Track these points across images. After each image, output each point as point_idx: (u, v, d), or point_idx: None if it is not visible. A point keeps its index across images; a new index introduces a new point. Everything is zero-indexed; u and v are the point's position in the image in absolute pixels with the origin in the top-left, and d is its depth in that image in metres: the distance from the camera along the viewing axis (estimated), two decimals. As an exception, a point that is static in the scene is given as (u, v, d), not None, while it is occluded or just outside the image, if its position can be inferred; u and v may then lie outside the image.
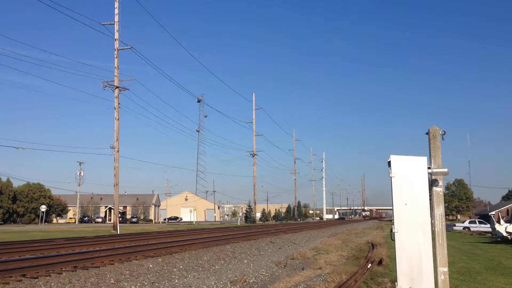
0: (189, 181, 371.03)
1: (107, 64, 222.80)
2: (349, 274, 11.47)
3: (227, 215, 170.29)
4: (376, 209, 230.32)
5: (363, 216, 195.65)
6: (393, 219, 7.26)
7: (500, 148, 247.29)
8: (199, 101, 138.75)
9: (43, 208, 76.24)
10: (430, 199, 7.32)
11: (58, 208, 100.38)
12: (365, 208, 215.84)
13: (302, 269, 14.00)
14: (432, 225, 7.28)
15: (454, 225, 54.46)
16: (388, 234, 32.46)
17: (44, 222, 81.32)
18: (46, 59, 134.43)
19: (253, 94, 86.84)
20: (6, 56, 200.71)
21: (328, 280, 10.81)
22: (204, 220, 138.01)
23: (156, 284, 11.13)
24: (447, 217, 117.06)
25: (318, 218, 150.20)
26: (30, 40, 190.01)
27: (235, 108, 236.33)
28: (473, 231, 48.72)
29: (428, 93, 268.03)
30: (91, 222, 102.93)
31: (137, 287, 10.76)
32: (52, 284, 10.31)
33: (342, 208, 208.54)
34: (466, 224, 53.23)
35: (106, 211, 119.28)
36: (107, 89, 43.78)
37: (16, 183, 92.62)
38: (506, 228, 28.50)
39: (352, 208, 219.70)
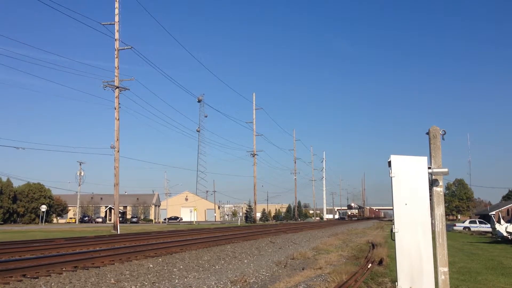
0: (189, 181, 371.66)
1: (108, 64, 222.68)
2: (350, 274, 11.48)
3: (227, 215, 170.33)
4: (370, 207, 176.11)
5: (348, 216, 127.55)
6: (393, 219, 7.26)
7: (500, 148, 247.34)
8: (199, 101, 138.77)
9: (43, 208, 76.31)
10: (430, 199, 7.32)
11: (58, 208, 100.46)
12: (352, 204, 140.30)
13: (303, 269, 13.99)
14: (433, 225, 7.28)
15: (455, 225, 54.47)
16: (388, 234, 32.46)
17: (44, 222, 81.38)
18: (46, 59, 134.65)
19: (253, 94, 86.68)
20: (6, 56, 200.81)
21: (328, 280, 10.81)
22: (204, 220, 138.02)
23: (157, 284, 11.13)
24: (448, 217, 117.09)
25: (318, 218, 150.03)
26: (30, 40, 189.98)
27: (235, 108, 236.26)
28: (474, 231, 48.73)
29: (428, 93, 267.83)
30: (91, 222, 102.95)
31: (138, 287, 10.76)
32: (53, 284, 10.31)
33: (342, 208, 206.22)
34: (467, 224, 53.25)
35: (106, 211, 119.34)
36: (107, 89, 43.83)
37: (17, 183, 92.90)
38: (506, 228, 28.54)
39: None
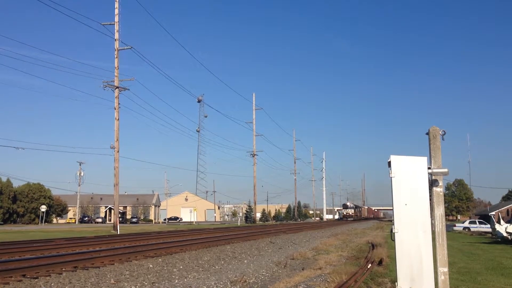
0: (189, 181, 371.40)
1: (108, 64, 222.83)
2: (349, 274, 11.48)
3: (227, 215, 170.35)
4: (368, 207, 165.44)
5: (344, 216, 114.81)
6: (393, 219, 7.26)
7: (500, 148, 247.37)
8: (199, 101, 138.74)
9: (43, 208, 76.32)
10: (430, 199, 7.32)
11: (58, 208, 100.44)
12: (348, 203, 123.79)
13: (302, 269, 13.99)
14: (432, 225, 7.29)
15: (454, 225, 54.41)
16: (388, 234, 32.46)
17: (44, 222, 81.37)
18: (46, 59, 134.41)
19: (253, 94, 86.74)
20: (6, 56, 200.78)
21: (328, 280, 10.81)
22: (204, 220, 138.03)
23: (156, 284, 11.13)
24: (447, 217, 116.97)
25: (318, 219, 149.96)
26: (30, 40, 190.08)
27: (235, 108, 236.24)
28: (473, 232, 48.72)
29: (428, 93, 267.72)
30: (91, 222, 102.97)
31: (137, 287, 10.76)
32: (52, 284, 10.31)
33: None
34: (466, 224, 53.22)
35: (106, 211, 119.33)
36: (107, 89, 43.87)
37: (16, 183, 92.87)
38: (506, 228, 28.52)
39: None
